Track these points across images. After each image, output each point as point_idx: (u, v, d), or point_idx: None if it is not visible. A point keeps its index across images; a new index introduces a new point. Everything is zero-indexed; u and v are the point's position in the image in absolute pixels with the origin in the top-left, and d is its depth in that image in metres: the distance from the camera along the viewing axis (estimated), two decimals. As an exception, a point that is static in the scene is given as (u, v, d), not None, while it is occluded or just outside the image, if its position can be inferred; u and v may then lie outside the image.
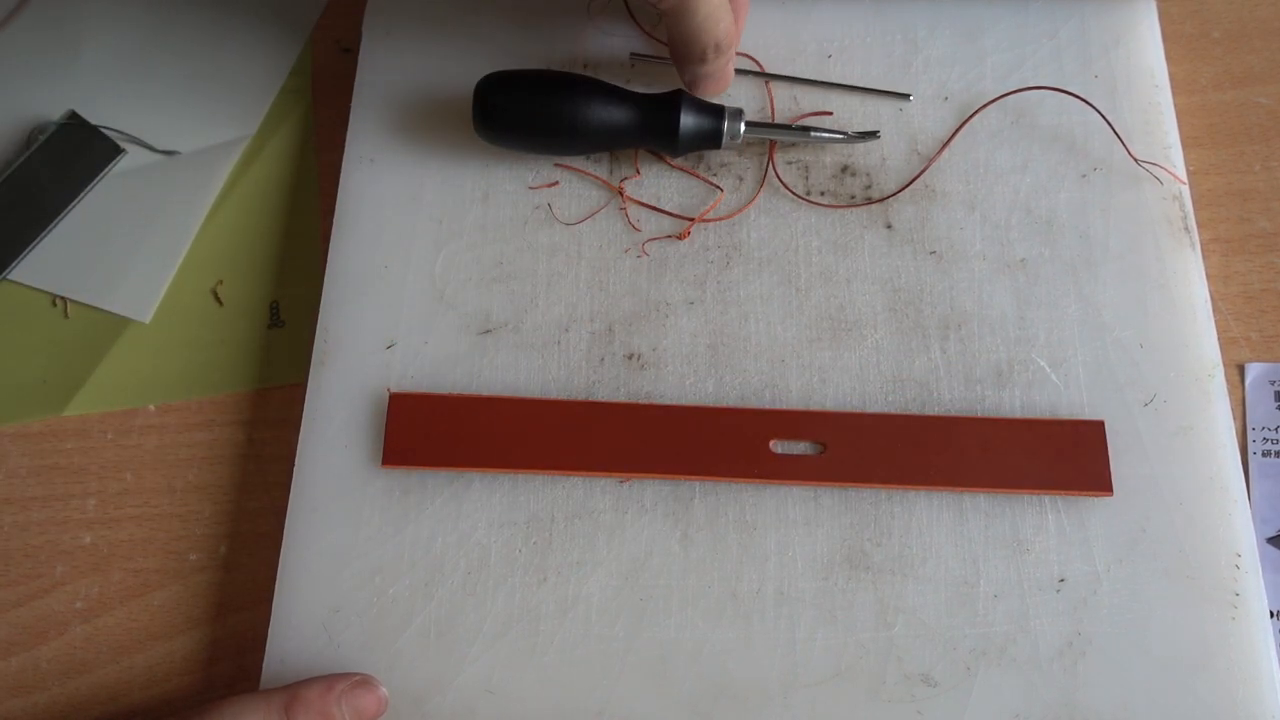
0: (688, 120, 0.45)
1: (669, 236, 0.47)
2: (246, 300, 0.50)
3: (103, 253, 0.50)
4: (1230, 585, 0.40)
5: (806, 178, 0.48)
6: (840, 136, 0.47)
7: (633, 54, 0.50)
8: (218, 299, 0.50)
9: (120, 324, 0.49)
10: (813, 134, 0.47)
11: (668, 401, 0.44)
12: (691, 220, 0.47)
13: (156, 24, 0.55)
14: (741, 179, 0.48)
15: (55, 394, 0.48)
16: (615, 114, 0.46)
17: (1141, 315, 0.44)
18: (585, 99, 0.45)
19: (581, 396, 0.45)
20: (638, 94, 0.47)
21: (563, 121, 0.45)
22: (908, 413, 0.43)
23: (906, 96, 0.49)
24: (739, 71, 0.49)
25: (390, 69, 0.51)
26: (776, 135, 0.48)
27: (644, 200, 0.48)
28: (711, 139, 0.46)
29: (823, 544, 0.42)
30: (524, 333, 0.46)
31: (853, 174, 0.48)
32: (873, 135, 0.48)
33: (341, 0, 0.56)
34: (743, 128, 0.46)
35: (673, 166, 0.49)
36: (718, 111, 0.46)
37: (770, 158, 0.48)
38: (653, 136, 0.46)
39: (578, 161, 0.49)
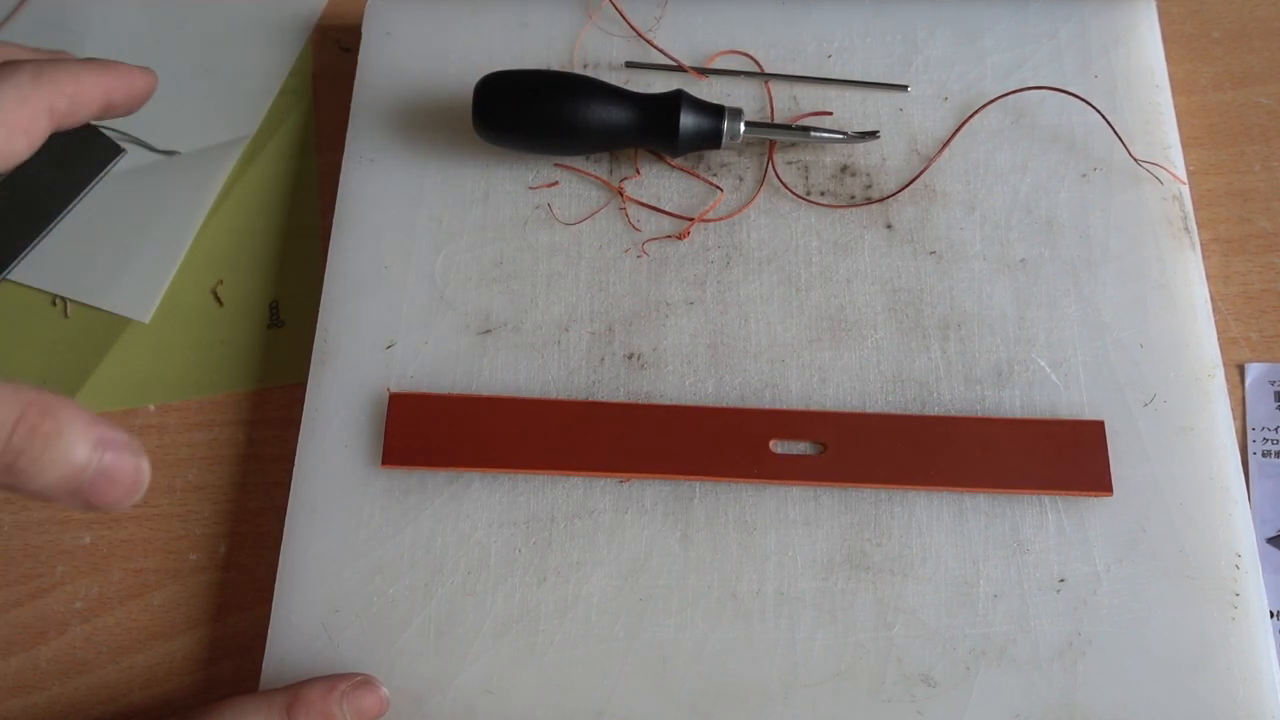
0: (688, 120, 0.45)
1: (669, 236, 0.47)
2: (246, 300, 0.50)
3: (103, 253, 0.50)
4: (1230, 585, 0.40)
5: (806, 178, 0.48)
6: (840, 136, 0.47)
7: (628, 63, 0.50)
8: (218, 299, 0.50)
9: (120, 324, 0.49)
10: (813, 134, 0.47)
11: (668, 401, 0.44)
12: (691, 220, 0.47)
13: (156, 24, 0.55)
14: (741, 179, 0.48)
15: (55, 394, 0.48)
16: (615, 114, 0.45)
17: (1141, 315, 0.44)
18: (585, 99, 0.45)
19: (581, 396, 0.45)
20: (638, 94, 0.47)
21: (563, 121, 0.45)
22: (908, 413, 0.43)
23: (904, 88, 0.49)
24: (739, 72, 0.49)
25: (390, 69, 0.51)
26: (776, 135, 0.48)
27: (644, 200, 0.48)
28: (711, 139, 0.46)
29: (823, 544, 0.42)
30: (524, 333, 0.46)
31: (853, 174, 0.48)
32: (873, 135, 0.48)
33: (341, 0, 0.56)
34: (743, 128, 0.46)
35: (673, 166, 0.49)
36: (718, 111, 0.46)
37: (770, 158, 0.48)
38: (653, 136, 0.46)
39: (578, 161, 0.49)
